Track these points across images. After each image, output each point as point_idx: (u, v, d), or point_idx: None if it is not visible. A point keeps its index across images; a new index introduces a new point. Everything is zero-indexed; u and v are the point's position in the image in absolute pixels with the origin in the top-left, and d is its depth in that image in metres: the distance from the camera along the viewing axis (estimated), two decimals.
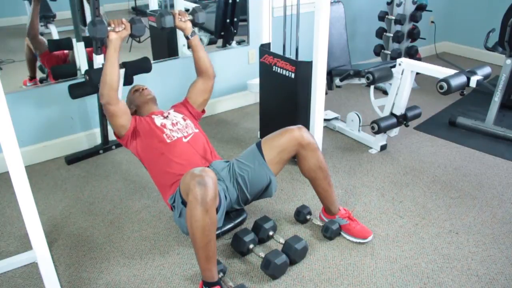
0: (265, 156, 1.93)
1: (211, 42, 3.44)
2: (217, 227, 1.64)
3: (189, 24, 2.14)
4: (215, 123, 3.37)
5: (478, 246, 2.00)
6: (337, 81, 3.10)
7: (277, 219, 2.20)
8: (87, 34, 2.74)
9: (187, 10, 2.19)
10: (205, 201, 1.53)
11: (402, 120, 2.73)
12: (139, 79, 2.56)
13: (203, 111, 2.30)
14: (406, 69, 2.59)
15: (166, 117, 2.10)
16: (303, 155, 1.94)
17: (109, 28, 1.86)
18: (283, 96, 2.65)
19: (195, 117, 2.23)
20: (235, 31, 3.44)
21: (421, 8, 3.84)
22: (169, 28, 2.07)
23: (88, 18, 2.67)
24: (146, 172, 2.11)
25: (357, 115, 3.02)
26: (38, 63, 2.75)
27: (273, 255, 1.80)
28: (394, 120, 2.72)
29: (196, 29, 3.36)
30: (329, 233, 2.02)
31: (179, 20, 2.10)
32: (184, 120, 2.13)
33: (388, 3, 3.83)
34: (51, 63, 2.77)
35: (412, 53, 3.91)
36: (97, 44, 2.45)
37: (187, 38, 2.16)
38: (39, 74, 2.75)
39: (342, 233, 2.07)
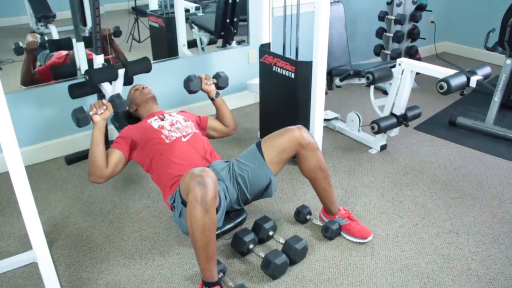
0: (265, 156, 1.93)
1: (211, 42, 3.44)
2: (217, 227, 1.64)
3: (213, 87, 2.30)
4: None
5: (478, 246, 2.00)
6: (337, 81, 3.10)
7: (277, 219, 2.20)
8: (87, 34, 2.76)
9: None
10: (205, 201, 1.53)
11: (402, 120, 2.73)
12: (139, 79, 2.56)
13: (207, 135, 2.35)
14: (406, 69, 2.59)
15: (163, 119, 2.11)
16: (303, 155, 1.94)
17: (91, 112, 1.92)
18: (283, 96, 2.65)
19: (201, 129, 2.27)
20: (235, 31, 3.44)
21: (421, 8, 3.84)
22: (196, 91, 2.27)
23: (88, 18, 2.67)
24: (147, 172, 2.11)
25: (357, 115, 3.02)
26: (38, 63, 2.75)
27: (273, 255, 1.80)
28: (394, 120, 2.72)
29: (196, 29, 3.38)
30: (329, 233, 2.02)
31: (205, 84, 2.26)
32: (185, 121, 2.13)
33: (388, 3, 3.83)
34: (48, 75, 2.77)
35: (412, 53, 3.90)
36: (97, 44, 2.45)
37: (212, 99, 2.31)
38: None
39: (342, 233, 2.07)
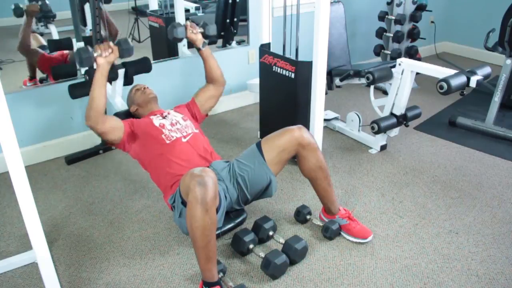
0: (265, 156, 1.93)
1: (211, 42, 3.43)
2: (217, 227, 1.64)
3: (200, 36, 2.20)
4: (215, 123, 3.37)
5: (478, 246, 2.00)
6: (337, 81, 3.09)
7: (277, 219, 2.19)
8: (87, 34, 2.76)
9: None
10: (205, 201, 1.53)
11: (402, 120, 2.73)
12: (139, 79, 2.56)
13: (207, 115, 2.33)
14: (406, 69, 2.59)
15: (164, 117, 2.10)
16: (303, 155, 1.94)
17: (95, 54, 1.86)
18: (283, 96, 2.64)
19: (197, 119, 2.24)
20: (235, 31, 3.44)
21: (421, 8, 3.84)
22: (181, 39, 2.13)
23: (88, 18, 2.67)
24: (146, 172, 2.11)
25: (357, 115, 3.02)
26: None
27: (273, 255, 1.80)
28: (394, 120, 2.72)
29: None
30: (329, 233, 2.02)
31: (190, 32, 2.16)
32: (184, 120, 2.12)
33: (388, 3, 3.83)
34: (47, 66, 2.76)
35: (412, 53, 3.91)
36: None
37: (198, 49, 2.22)
38: (39, 74, 2.75)
39: (342, 233, 2.07)
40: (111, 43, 1.92)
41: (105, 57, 1.88)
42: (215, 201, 1.58)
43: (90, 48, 1.85)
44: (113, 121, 1.98)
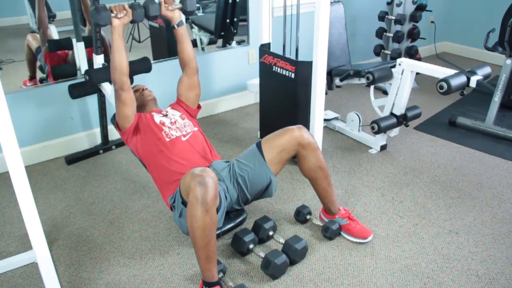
0: (265, 156, 1.92)
1: (211, 42, 3.44)
2: (217, 227, 1.64)
3: (177, 13, 2.04)
4: (215, 123, 3.37)
5: (478, 246, 2.00)
6: (337, 81, 3.10)
7: (277, 219, 2.20)
8: (87, 34, 2.76)
9: None
10: (206, 201, 1.53)
11: (402, 120, 2.73)
12: (139, 79, 2.56)
13: (199, 107, 2.25)
14: (406, 69, 2.59)
15: (165, 115, 2.10)
16: (303, 155, 1.94)
17: (111, 15, 1.84)
18: (283, 96, 2.65)
19: (192, 114, 2.22)
20: (235, 31, 3.44)
21: (421, 8, 3.84)
22: (155, 16, 1.97)
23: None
24: (146, 172, 2.11)
25: (357, 115, 3.02)
26: (38, 63, 2.75)
27: (273, 255, 1.80)
28: (394, 120, 2.72)
29: (196, 29, 3.38)
30: (329, 233, 2.02)
31: (166, 9, 1.98)
32: (182, 119, 2.11)
33: (388, 3, 3.83)
34: (53, 61, 2.76)
35: (412, 53, 3.91)
36: (97, 44, 2.45)
37: (173, 28, 2.06)
38: (39, 74, 2.75)
39: (342, 233, 2.07)
40: (126, 5, 1.88)
41: (120, 18, 1.85)
42: (215, 201, 1.58)
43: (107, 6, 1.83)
44: (133, 97, 1.98)
